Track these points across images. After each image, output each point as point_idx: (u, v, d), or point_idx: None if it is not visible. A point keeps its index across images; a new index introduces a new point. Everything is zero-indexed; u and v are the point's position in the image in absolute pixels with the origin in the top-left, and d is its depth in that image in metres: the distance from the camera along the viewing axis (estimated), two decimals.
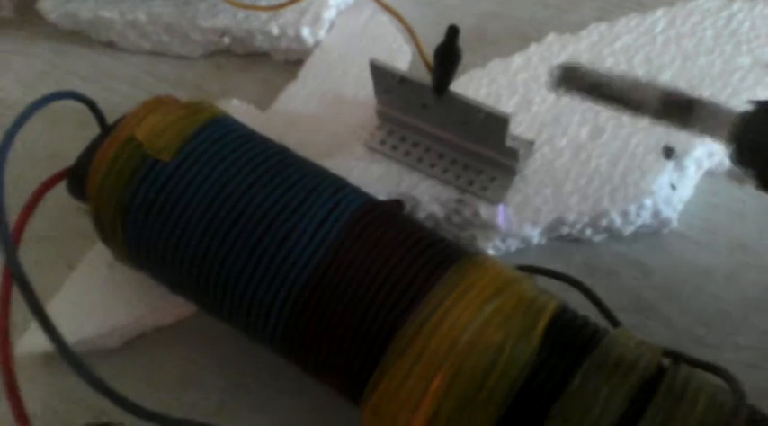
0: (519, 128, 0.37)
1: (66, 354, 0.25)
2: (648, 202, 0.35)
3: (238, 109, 0.41)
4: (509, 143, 0.34)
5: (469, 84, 0.39)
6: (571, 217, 0.35)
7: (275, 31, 0.43)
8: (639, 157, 0.36)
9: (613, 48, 0.40)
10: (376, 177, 0.37)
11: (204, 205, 0.28)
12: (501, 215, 0.35)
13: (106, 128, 0.32)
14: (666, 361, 0.26)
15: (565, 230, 0.36)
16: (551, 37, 0.41)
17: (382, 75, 0.35)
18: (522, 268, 0.29)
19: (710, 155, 0.37)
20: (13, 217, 0.28)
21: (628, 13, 0.42)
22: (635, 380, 0.24)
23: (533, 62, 0.40)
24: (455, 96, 0.34)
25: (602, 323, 0.28)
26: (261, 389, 0.34)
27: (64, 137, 0.42)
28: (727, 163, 0.37)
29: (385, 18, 0.44)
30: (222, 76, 0.45)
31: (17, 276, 0.26)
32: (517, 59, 0.40)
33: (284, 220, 0.28)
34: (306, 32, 0.43)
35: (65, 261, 0.38)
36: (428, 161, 0.37)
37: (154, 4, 0.45)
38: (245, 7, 0.43)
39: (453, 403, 0.24)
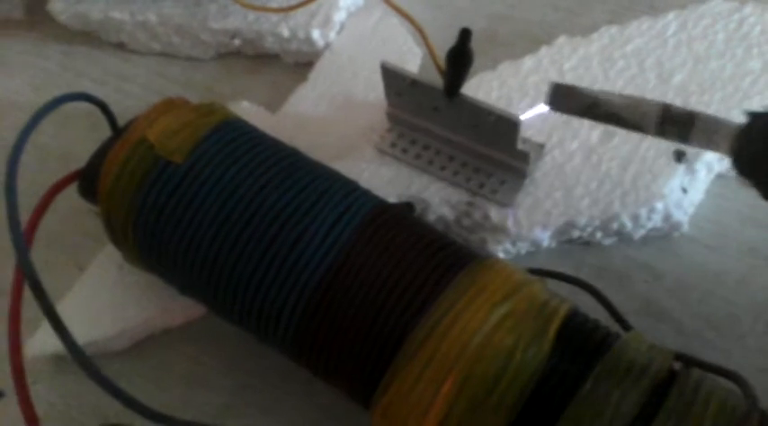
0: (529, 130, 0.37)
1: (77, 355, 0.25)
2: (659, 206, 0.35)
3: (248, 111, 0.41)
4: (520, 146, 0.34)
5: (480, 87, 0.39)
6: (582, 221, 0.35)
7: (285, 32, 0.43)
8: (650, 161, 0.36)
9: (624, 51, 0.40)
10: (386, 180, 0.37)
11: (216, 207, 0.28)
12: (510, 218, 0.35)
13: (117, 130, 0.32)
14: (678, 365, 0.26)
15: (575, 233, 0.35)
16: (562, 40, 0.41)
17: (393, 78, 0.35)
18: (533, 271, 0.29)
19: (721, 158, 0.37)
20: (24, 218, 0.28)
21: (639, 16, 0.41)
22: (646, 384, 0.24)
23: (544, 65, 0.40)
24: (466, 99, 0.34)
25: (613, 326, 0.28)
26: (269, 391, 0.34)
27: (75, 139, 0.43)
28: None
29: (395, 20, 0.44)
30: (232, 78, 0.45)
31: (29, 276, 0.26)
32: (528, 62, 0.40)
33: (296, 222, 0.28)
34: (316, 34, 0.43)
35: (75, 262, 0.38)
36: (438, 164, 0.37)
37: (164, 5, 0.45)
38: (256, 9, 0.43)
39: (464, 407, 0.24)
